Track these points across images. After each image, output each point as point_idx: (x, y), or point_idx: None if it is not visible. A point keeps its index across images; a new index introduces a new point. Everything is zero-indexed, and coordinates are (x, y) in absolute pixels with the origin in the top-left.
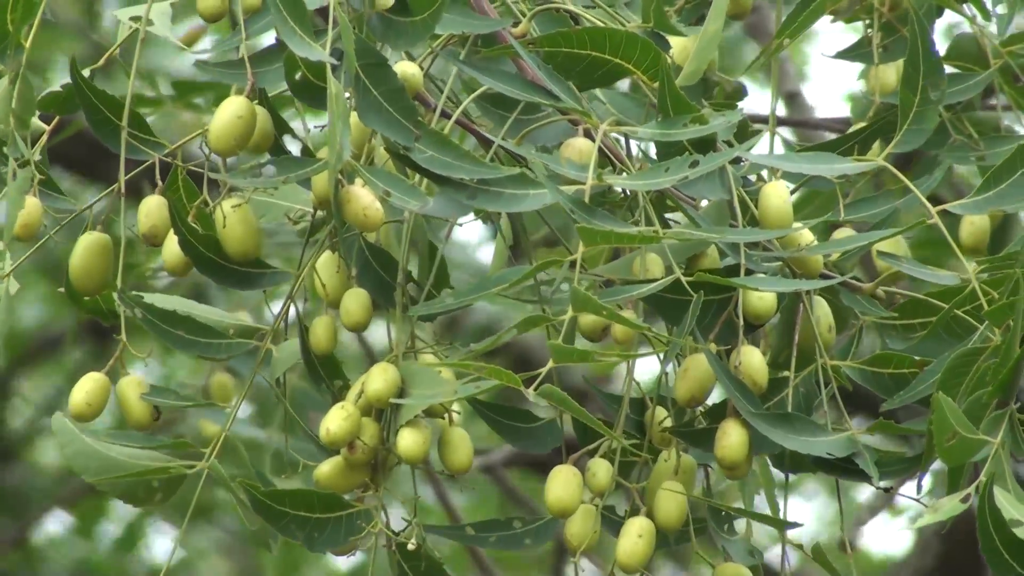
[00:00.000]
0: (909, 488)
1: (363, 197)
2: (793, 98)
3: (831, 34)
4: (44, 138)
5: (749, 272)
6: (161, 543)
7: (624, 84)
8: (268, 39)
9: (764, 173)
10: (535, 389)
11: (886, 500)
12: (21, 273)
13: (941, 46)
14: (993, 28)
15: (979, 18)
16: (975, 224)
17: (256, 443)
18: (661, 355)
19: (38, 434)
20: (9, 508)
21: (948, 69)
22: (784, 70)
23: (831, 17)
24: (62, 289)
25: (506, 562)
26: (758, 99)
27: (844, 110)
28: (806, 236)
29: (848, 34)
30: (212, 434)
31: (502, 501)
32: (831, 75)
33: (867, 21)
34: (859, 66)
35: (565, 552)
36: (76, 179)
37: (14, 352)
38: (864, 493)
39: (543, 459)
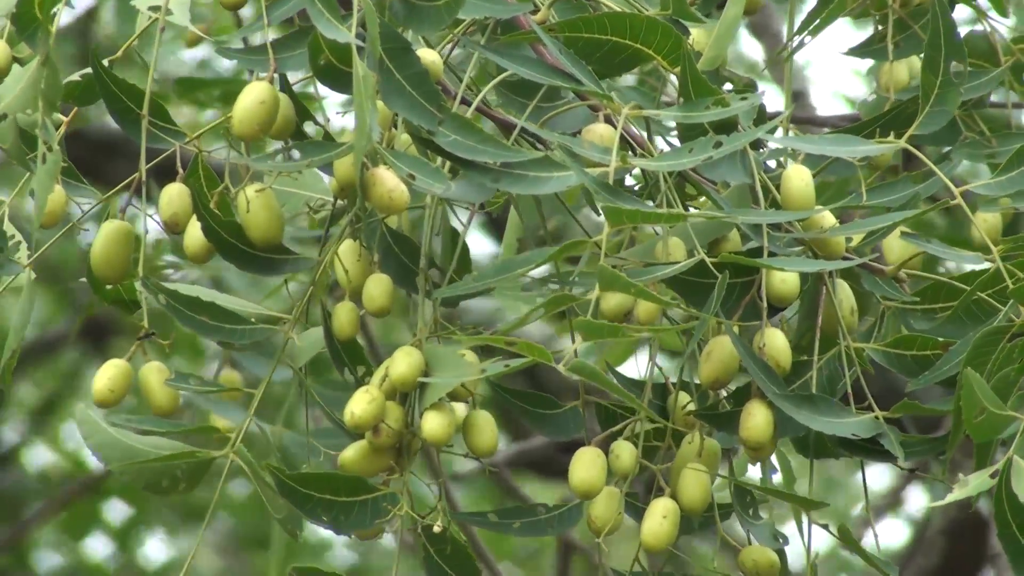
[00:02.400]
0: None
1: (388, 180)
2: (798, 98)
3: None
4: (63, 128)
5: (772, 255)
6: (154, 545)
7: (629, 79)
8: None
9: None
10: (565, 365)
11: (893, 499)
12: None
13: None
14: (1005, 25)
15: (992, 13)
16: (988, 221)
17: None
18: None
19: (33, 436)
20: (3, 510)
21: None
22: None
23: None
24: (84, 279)
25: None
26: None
27: (845, 109)
28: (828, 219)
29: (846, 30)
30: (223, 430)
31: (503, 500)
32: (829, 74)
33: (876, 17)
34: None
35: (569, 553)
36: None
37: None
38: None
39: (544, 460)
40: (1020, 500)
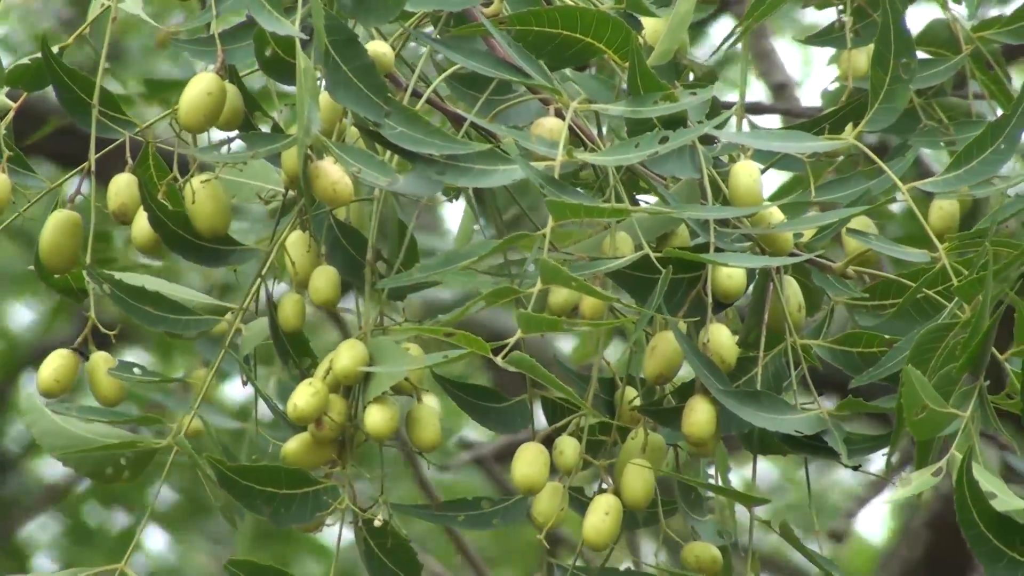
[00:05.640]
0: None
1: (332, 172)
2: (781, 89)
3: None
4: (11, 115)
5: (719, 251)
6: (153, 546)
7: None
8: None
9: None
10: (504, 357)
11: (876, 490)
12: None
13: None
14: (963, 10)
15: (951, 3)
16: (944, 210)
17: (234, 434)
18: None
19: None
20: (4, 516)
21: (919, 54)
22: (773, 61)
23: (803, 2)
24: (32, 267)
25: (496, 556)
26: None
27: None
28: (776, 215)
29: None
30: (191, 429)
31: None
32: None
33: (839, 7)
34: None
35: (557, 545)
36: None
37: (11, 361)
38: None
39: None
40: (981, 487)
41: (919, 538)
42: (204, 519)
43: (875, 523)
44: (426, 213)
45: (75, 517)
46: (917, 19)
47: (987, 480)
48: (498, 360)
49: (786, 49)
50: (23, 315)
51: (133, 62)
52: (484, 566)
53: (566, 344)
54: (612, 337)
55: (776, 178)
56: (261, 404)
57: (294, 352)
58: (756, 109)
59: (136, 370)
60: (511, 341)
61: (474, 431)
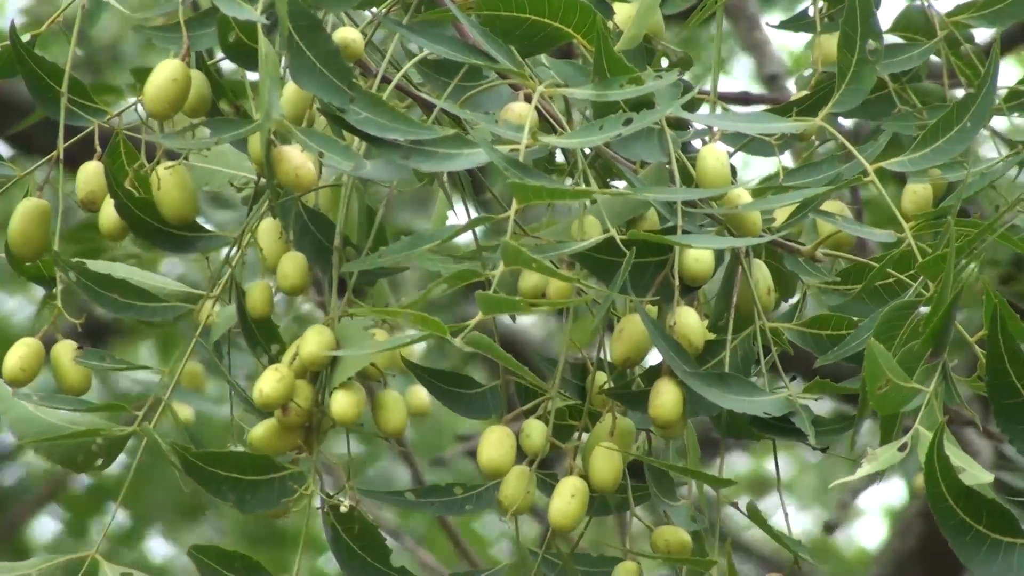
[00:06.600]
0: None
1: (295, 157)
2: (774, 80)
3: None
4: None
5: (686, 233)
6: (156, 544)
7: None
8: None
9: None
10: (463, 338)
11: (869, 481)
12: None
13: (888, 20)
14: None
15: None
16: (917, 193)
17: (224, 423)
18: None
19: None
20: (1, 505)
21: (894, 39)
22: (766, 53)
23: None
24: (2, 254)
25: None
26: (732, 80)
27: None
28: (744, 198)
29: None
30: (184, 418)
31: None
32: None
33: None
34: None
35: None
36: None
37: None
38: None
39: None
40: (951, 459)
41: (912, 529)
42: (205, 520)
43: (872, 522)
44: (422, 207)
45: (74, 513)
46: (892, 5)
47: (955, 455)
48: (456, 342)
49: (787, 43)
50: (21, 312)
51: (131, 62)
52: (477, 557)
53: None
54: (599, 329)
55: (759, 171)
56: None
57: (262, 338)
58: (745, 99)
59: (105, 359)
60: (471, 323)
61: None
